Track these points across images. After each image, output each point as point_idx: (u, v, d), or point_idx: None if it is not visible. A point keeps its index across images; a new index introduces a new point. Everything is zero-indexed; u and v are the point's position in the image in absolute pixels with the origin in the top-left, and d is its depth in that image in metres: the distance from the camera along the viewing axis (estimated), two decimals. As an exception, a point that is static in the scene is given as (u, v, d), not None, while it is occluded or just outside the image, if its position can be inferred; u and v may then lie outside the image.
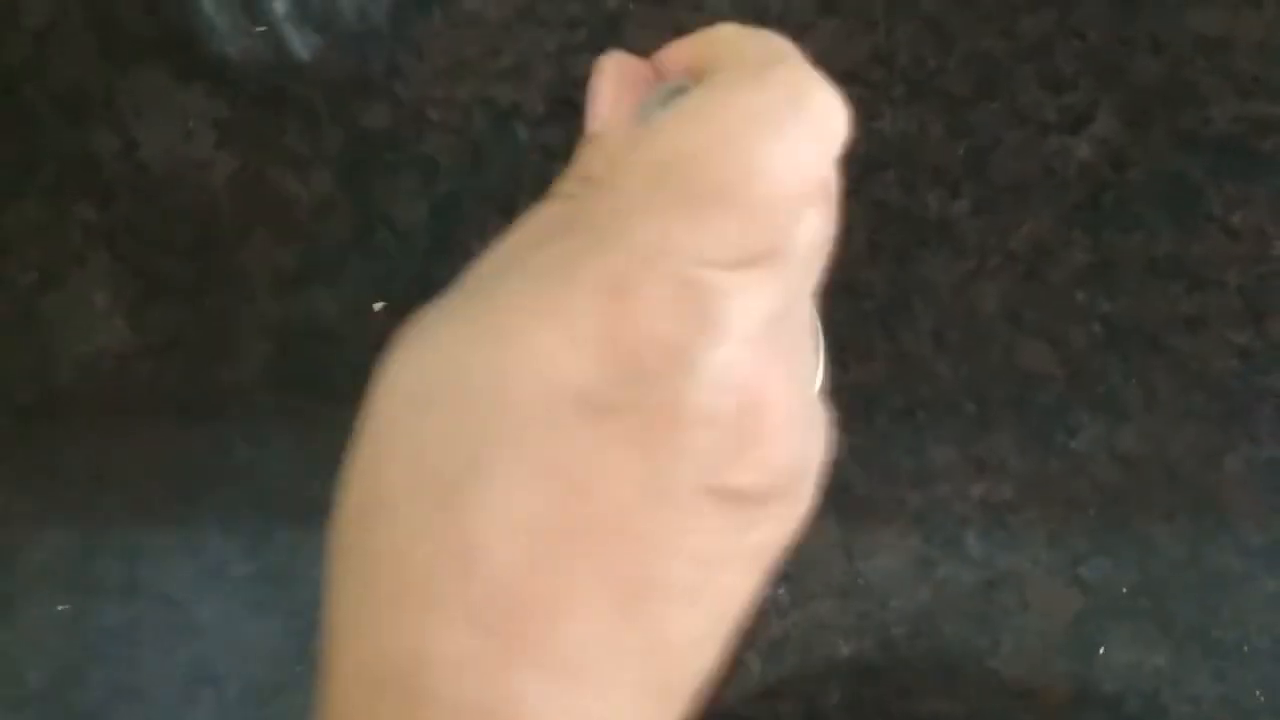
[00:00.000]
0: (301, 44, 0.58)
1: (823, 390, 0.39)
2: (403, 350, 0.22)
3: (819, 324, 0.46)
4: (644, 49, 0.57)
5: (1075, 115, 0.54)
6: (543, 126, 0.55)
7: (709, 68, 0.24)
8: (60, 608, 0.49)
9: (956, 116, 0.54)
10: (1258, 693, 0.46)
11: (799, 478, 0.22)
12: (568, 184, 0.25)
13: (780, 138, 0.21)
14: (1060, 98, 0.55)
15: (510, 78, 0.56)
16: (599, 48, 0.57)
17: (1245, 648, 0.47)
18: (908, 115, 0.55)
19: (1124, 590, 0.47)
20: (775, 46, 0.24)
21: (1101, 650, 0.47)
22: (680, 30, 0.58)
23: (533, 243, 0.23)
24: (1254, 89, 0.54)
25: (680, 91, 0.24)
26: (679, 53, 0.26)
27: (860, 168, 0.54)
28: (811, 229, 0.22)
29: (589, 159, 0.25)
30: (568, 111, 0.55)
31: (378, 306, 0.53)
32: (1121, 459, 0.49)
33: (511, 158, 0.55)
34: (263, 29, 0.58)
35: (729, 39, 0.25)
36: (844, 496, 0.49)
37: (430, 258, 0.53)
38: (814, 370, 0.25)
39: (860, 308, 0.52)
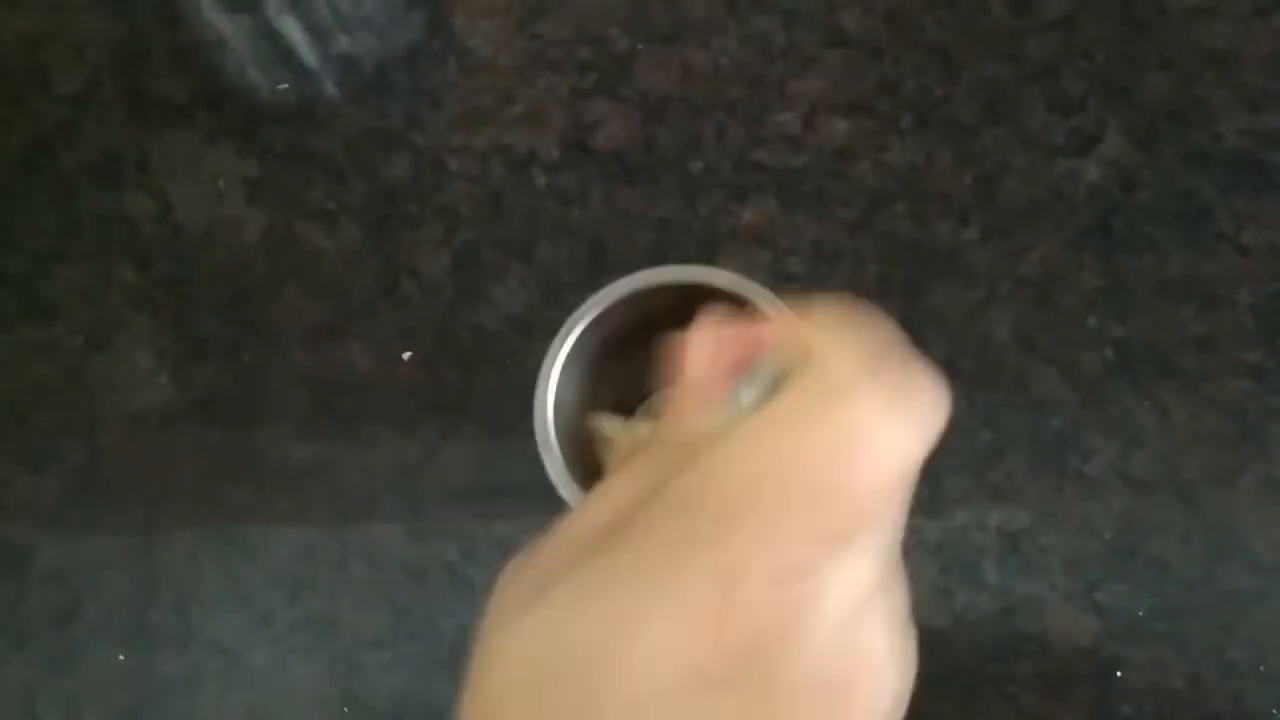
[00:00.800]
0: (323, 99, 0.59)
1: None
2: (511, 610, 0.23)
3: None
4: (653, 90, 0.59)
5: (1084, 137, 0.55)
6: (558, 172, 0.57)
7: (808, 353, 0.24)
8: (120, 657, 0.52)
9: (964, 144, 0.55)
10: (1275, 711, 0.47)
11: (896, 703, 0.24)
12: (665, 430, 0.26)
13: (881, 446, 0.22)
14: (1068, 120, 0.55)
15: (525, 124, 0.58)
16: (610, 90, 0.59)
17: (1262, 667, 0.47)
18: (915, 145, 0.55)
19: (1140, 614, 0.48)
20: (875, 336, 0.24)
21: (1119, 674, 0.48)
22: (689, 69, 0.59)
23: (631, 501, 0.24)
24: (1263, 102, 0.54)
25: (775, 376, 0.25)
26: (775, 332, 0.27)
27: (869, 201, 0.55)
28: (905, 491, 0.23)
29: (684, 419, 0.26)
30: (581, 156, 0.57)
31: (406, 356, 0.55)
32: (1135, 482, 0.50)
33: (529, 204, 0.56)
34: (285, 86, 0.60)
35: (828, 327, 0.25)
36: (862, 528, 0.50)
37: (454, 307, 0.55)
38: (903, 599, 0.25)
39: (874, 340, 0.53)
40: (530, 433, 0.42)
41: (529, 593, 0.23)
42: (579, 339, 0.44)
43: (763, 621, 0.21)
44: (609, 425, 0.46)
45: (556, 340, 0.44)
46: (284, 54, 0.61)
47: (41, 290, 0.58)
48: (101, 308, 0.57)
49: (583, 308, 0.44)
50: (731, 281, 0.43)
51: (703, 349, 0.27)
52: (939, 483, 0.51)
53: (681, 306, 0.44)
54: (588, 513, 0.25)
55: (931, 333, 0.53)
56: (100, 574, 0.54)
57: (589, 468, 0.44)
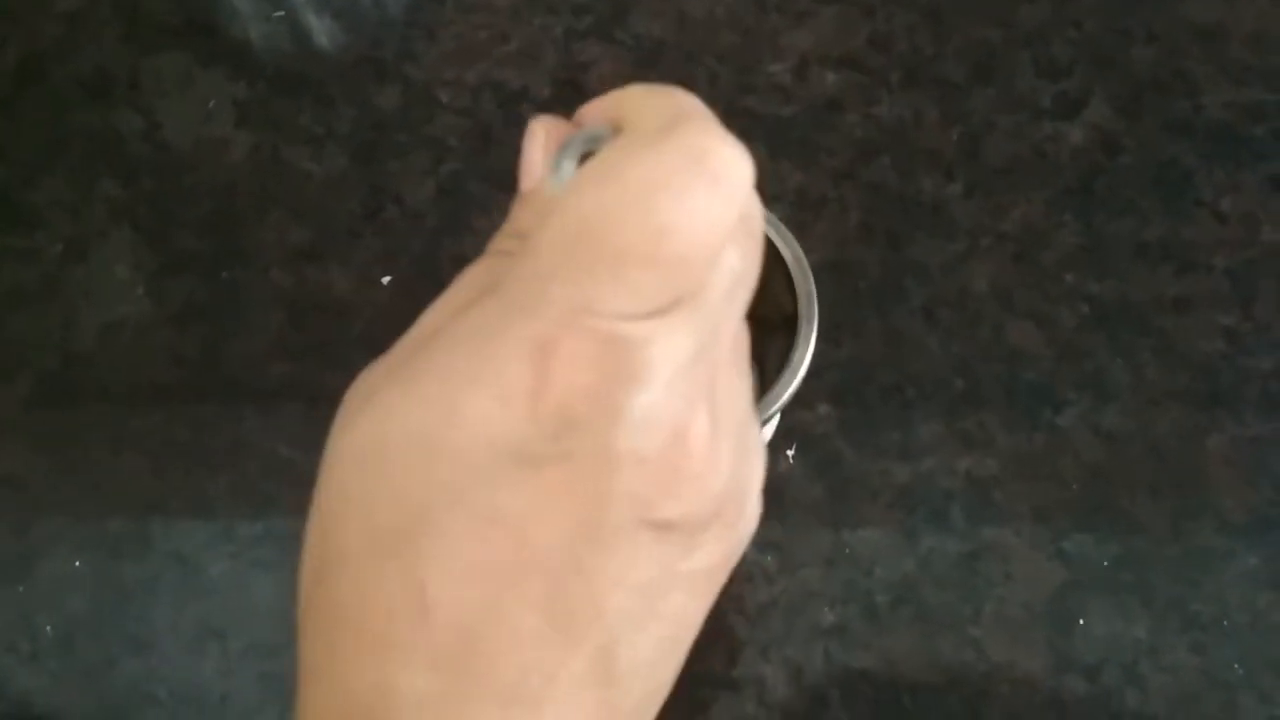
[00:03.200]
0: (318, 28, 0.60)
1: (797, 392, 0.40)
2: (350, 415, 0.23)
3: (814, 308, 0.47)
4: (649, 35, 0.59)
5: (1069, 101, 0.55)
6: (549, 109, 0.57)
7: (621, 125, 0.25)
8: (76, 564, 0.51)
9: (952, 102, 0.56)
10: (1236, 666, 0.47)
11: (734, 500, 0.23)
12: (501, 240, 0.26)
13: (682, 197, 0.22)
14: (1055, 84, 0.56)
15: (518, 62, 0.58)
16: (605, 33, 0.59)
17: (1225, 622, 0.47)
18: (904, 101, 0.56)
19: (1105, 564, 0.48)
20: (680, 103, 0.24)
21: (1082, 622, 0.47)
22: (684, 17, 0.59)
23: (465, 301, 0.24)
24: (1246, 77, 0.55)
25: (594, 140, 0.26)
26: (594, 110, 0.27)
27: (856, 152, 0.55)
28: (728, 269, 0.23)
29: (519, 215, 0.26)
30: (573, 95, 0.57)
31: (385, 280, 0.55)
32: (1106, 436, 0.50)
33: (518, 139, 0.56)
34: (280, 14, 0.60)
35: (636, 98, 0.25)
36: (833, 469, 0.50)
37: (437, 235, 0.55)
38: (746, 394, 0.25)
39: (854, 286, 0.53)
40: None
41: (366, 394, 0.23)
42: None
43: (578, 391, 0.21)
44: None
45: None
46: (283, -16, 0.61)
47: (25, 199, 0.57)
48: (83, 219, 0.57)
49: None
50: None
51: (537, 145, 0.27)
52: (911, 427, 0.50)
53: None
54: (430, 314, 0.25)
55: (911, 282, 0.53)
56: (63, 481, 0.53)
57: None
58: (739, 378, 0.25)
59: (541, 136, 0.27)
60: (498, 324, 0.22)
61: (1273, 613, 0.47)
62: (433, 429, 0.21)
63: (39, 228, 0.57)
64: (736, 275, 0.23)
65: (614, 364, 0.21)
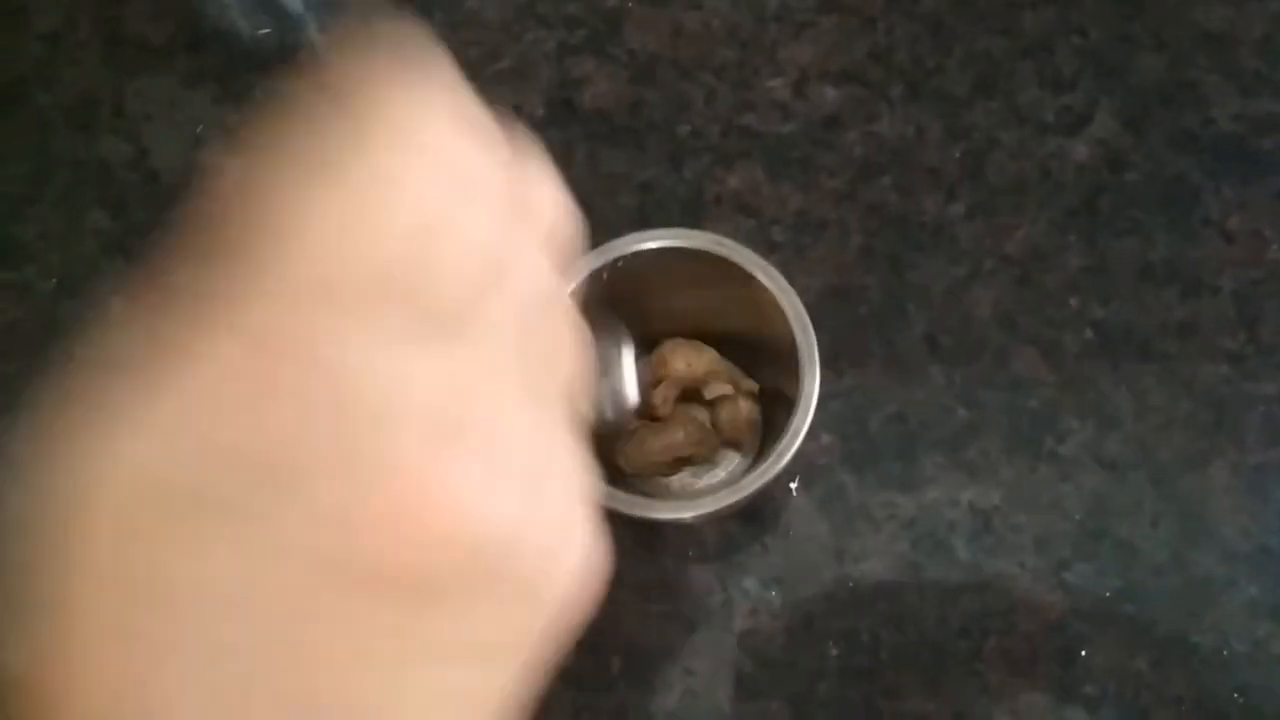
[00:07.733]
0: (307, 45, 0.58)
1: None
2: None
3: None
4: (642, 49, 0.58)
5: (1074, 116, 0.54)
6: (543, 130, 0.56)
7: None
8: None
9: (954, 117, 0.55)
10: (1236, 696, 0.47)
11: (525, 558, 0.18)
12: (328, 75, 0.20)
13: (405, 193, 0.17)
14: (1059, 98, 0.55)
15: (511, 79, 0.57)
16: (598, 48, 0.58)
17: (1225, 652, 0.48)
18: (905, 116, 0.55)
19: (1107, 594, 0.49)
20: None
21: (1083, 653, 0.48)
22: (679, 30, 0.58)
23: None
24: (1257, 86, 0.54)
25: None
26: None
27: (857, 171, 0.54)
28: (525, 278, 0.19)
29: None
30: (567, 115, 0.56)
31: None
32: (1108, 464, 0.50)
33: (512, 162, 0.55)
34: (267, 30, 0.58)
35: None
36: (836, 501, 0.50)
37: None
38: (546, 427, 0.20)
39: (855, 312, 0.52)
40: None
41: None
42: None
43: (285, 435, 0.16)
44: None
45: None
46: (267, -2, 0.59)
47: (13, 233, 0.57)
48: (75, 252, 0.56)
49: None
50: (716, 244, 0.43)
51: None
52: (914, 458, 0.50)
53: (666, 266, 0.44)
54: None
55: (913, 308, 0.52)
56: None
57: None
58: (538, 406, 0.20)
59: None
60: (188, 330, 0.16)
61: (1272, 643, 0.48)
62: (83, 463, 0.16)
63: (29, 262, 0.56)
64: (534, 285, 0.20)
65: (333, 405, 0.16)
